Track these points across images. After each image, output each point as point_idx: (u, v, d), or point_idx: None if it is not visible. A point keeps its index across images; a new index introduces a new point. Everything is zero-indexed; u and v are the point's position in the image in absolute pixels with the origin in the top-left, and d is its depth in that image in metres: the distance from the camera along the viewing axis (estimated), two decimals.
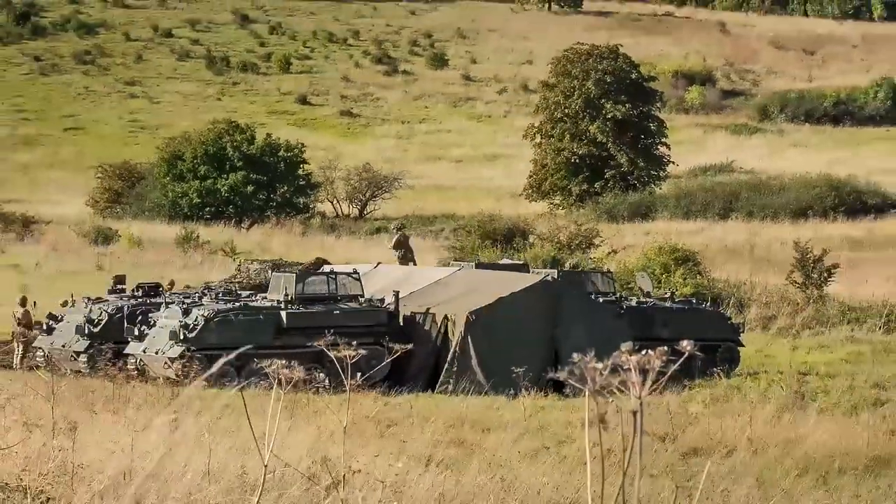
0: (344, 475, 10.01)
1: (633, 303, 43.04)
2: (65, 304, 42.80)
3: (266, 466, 7.98)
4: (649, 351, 5.22)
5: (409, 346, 38.69)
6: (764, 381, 39.38)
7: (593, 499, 5.40)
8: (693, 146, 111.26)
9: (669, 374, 5.59)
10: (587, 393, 5.23)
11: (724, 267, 60.59)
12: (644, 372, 4.99)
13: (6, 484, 12.97)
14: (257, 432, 11.05)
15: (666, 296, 44.91)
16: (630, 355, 5.11)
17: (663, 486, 20.03)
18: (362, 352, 8.99)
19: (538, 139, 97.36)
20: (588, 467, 5.37)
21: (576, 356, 5.40)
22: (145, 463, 16.51)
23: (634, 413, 4.99)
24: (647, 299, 43.72)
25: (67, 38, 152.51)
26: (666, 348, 5.57)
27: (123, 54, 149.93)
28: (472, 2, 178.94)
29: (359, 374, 35.15)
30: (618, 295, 43.29)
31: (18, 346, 41.99)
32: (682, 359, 5.78)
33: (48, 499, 12.25)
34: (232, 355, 9.65)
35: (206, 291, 42.48)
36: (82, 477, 14.33)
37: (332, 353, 8.56)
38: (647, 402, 19.40)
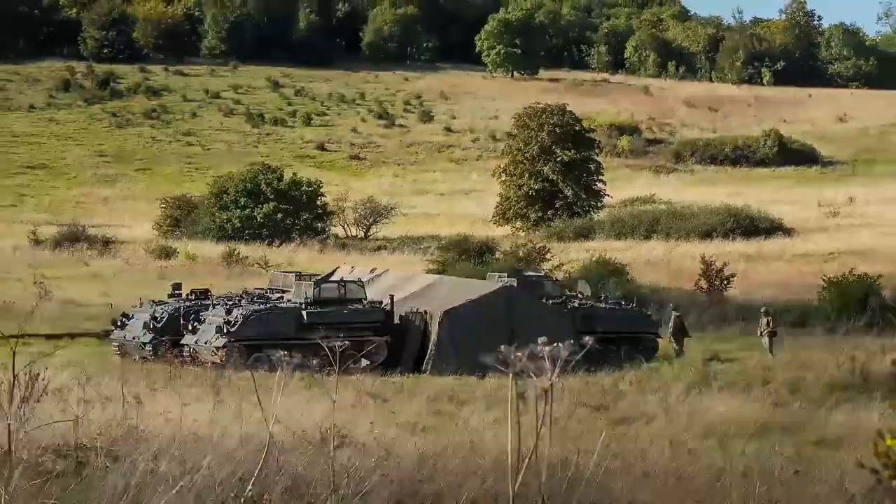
0: (334, 437, 10.00)
1: (576, 304, 43.00)
2: (134, 305, 42.78)
3: (270, 432, 7.95)
4: (558, 343, 5.21)
5: (386, 339, 38.93)
6: (677, 366, 39.37)
7: (512, 452, 5.39)
8: (623, 182, 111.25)
9: (576, 360, 5.57)
10: (510, 374, 5.23)
11: (646, 276, 60.60)
12: (554, 360, 4.98)
13: (84, 444, 12.92)
14: (279, 405, 11.05)
15: (601, 298, 44.91)
16: (544, 346, 5.11)
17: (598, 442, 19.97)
18: (347, 343, 9.03)
19: (503, 177, 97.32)
20: (509, 432, 5.36)
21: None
22: (193, 429, 16.50)
23: (545, 391, 4.98)
24: (586, 301, 43.70)
25: (138, 100, 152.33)
26: (572, 342, 5.56)
27: (181, 112, 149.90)
28: (453, 72, 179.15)
29: (358, 362, 35.14)
30: (563, 298, 43.26)
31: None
32: (584, 350, 5.78)
33: (115, 458, 12.19)
34: None
35: (244, 295, 42.45)
36: (144, 440, 14.29)
37: (325, 345, 8.58)
38: (586, 381, 19.36)
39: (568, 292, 44.65)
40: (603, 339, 41.20)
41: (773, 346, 42.59)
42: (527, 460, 5.48)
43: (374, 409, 24.43)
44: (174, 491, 10.18)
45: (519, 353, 4.87)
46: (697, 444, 21.98)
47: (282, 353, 7.88)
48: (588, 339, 5.69)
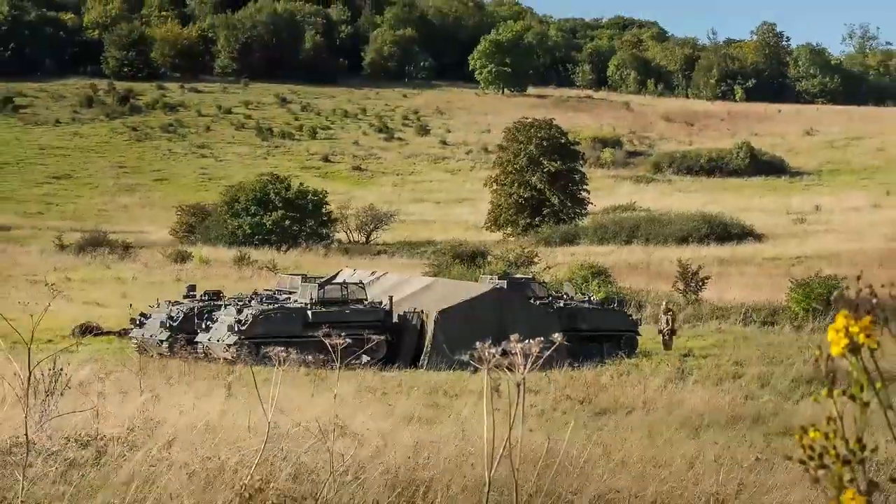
0: (334, 428, 10.02)
1: (561, 304, 43.01)
2: (152, 306, 42.77)
3: (269, 422, 7.97)
4: (530, 340, 5.24)
5: (385, 336, 38.94)
6: (655, 361, 39.42)
7: (487, 442, 5.42)
8: (606, 192, 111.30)
9: (546, 357, 5.60)
10: (485, 370, 5.26)
11: (627, 278, 60.60)
12: (526, 356, 5.01)
13: (104, 434, 12.94)
14: (285, 398, 11.08)
15: (585, 298, 44.92)
16: (517, 343, 5.14)
17: (578, 434, 20.00)
18: (349, 341, 9.06)
19: (495, 186, 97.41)
20: (485, 421, 5.38)
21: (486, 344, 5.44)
22: (205, 420, 16.51)
23: (518, 385, 5.01)
24: (571, 301, 43.71)
25: (156, 115, 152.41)
26: (542, 339, 5.58)
27: (196, 126, 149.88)
28: (448, 89, 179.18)
29: (359, 358, 35.08)
30: (549, 298, 43.27)
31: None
32: (554, 346, 5.80)
33: (131, 446, 12.22)
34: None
35: (254, 296, 42.44)
36: (159, 429, 14.30)
37: (328, 342, 8.60)
38: (571, 375, 19.35)
39: (553, 293, 44.65)
40: (587, 336, 41.35)
41: (671, 342, 42.75)
42: (501, 449, 5.51)
43: (374, 402, 24.44)
44: (186, 475, 10.20)
45: (492, 350, 4.91)
46: (673, 433, 22.01)
47: (279, 349, 7.89)
48: (557, 336, 5.70)
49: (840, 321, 2.22)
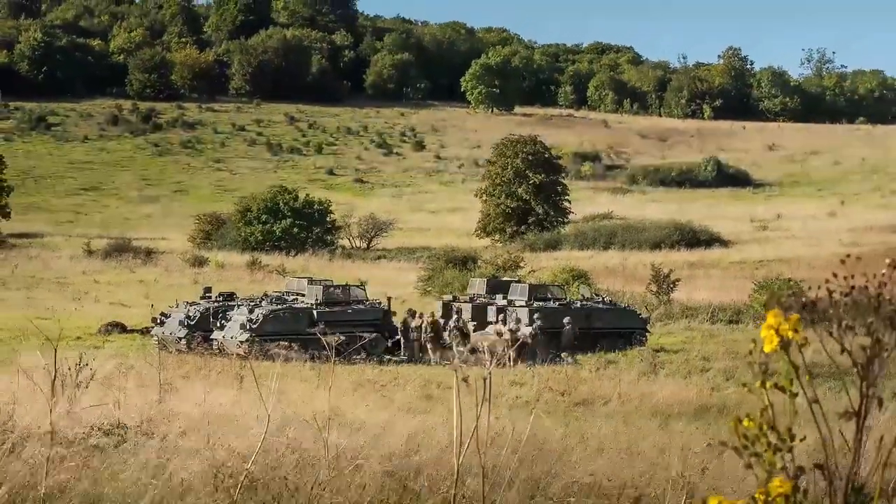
0: (329, 418, 10.00)
1: (578, 304, 42.91)
2: (171, 306, 42.75)
3: (269, 413, 7.96)
4: (496, 338, 5.24)
5: (384, 334, 38.97)
6: (630, 355, 39.40)
7: (456, 430, 5.42)
8: (586, 202, 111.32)
9: (533, 348, 5.59)
10: (456, 364, 5.27)
11: (605, 281, 60.57)
12: (492, 353, 5.01)
13: (123, 424, 12.92)
14: (293, 391, 11.07)
15: (598, 299, 44.84)
16: (483, 342, 5.14)
17: (561, 422, 19.98)
18: (342, 338, 9.08)
19: (484, 197, 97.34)
20: (455, 410, 5.39)
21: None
22: (218, 411, 16.48)
23: (485, 379, 5.02)
24: (586, 302, 43.61)
25: (175, 132, 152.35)
26: (507, 337, 5.59)
27: (212, 142, 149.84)
28: (441, 108, 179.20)
29: (360, 353, 34.95)
30: (566, 299, 43.28)
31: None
32: (518, 343, 5.81)
33: (147, 436, 12.20)
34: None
35: (264, 297, 42.41)
36: (175, 420, 14.28)
37: (324, 339, 8.60)
38: (552, 370, 19.29)
39: (566, 296, 44.58)
40: (601, 333, 41.48)
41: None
42: (468, 440, 5.51)
43: (373, 394, 24.41)
44: (197, 460, 10.19)
45: (462, 349, 4.92)
46: (645, 423, 22.00)
47: (277, 347, 7.89)
48: (526, 334, 5.70)
49: (771, 319, 2.23)
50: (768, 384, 2.30)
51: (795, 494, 2.12)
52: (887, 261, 2.22)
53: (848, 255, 2.52)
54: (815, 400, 2.25)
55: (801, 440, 2.22)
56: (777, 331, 2.26)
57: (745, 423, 2.28)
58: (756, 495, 2.14)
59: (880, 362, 2.14)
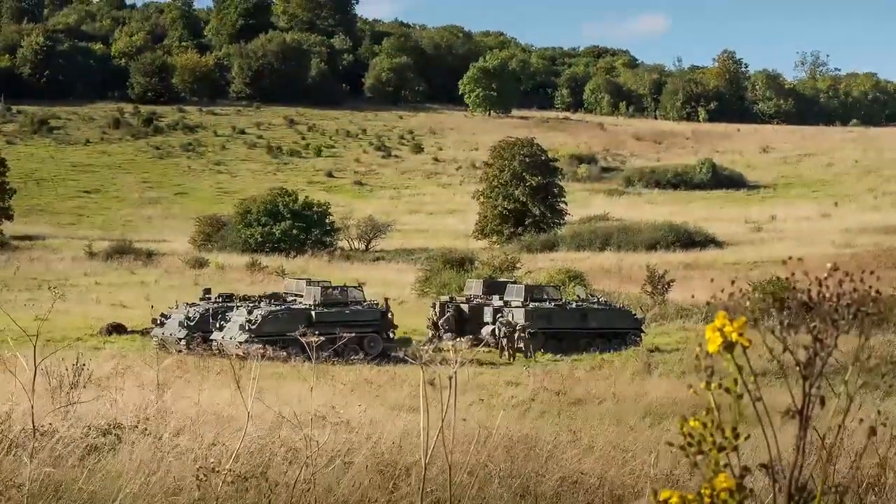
0: (312, 417, 10.03)
1: (574, 305, 43.04)
2: (171, 307, 42.78)
3: (249, 411, 7.99)
4: (460, 339, 5.29)
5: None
6: (625, 355, 39.42)
7: (423, 429, 5.47)
8: (582, 203, 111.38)
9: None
10: (421, 364, 5.31)
11: (601, 281, 60.65)
12: (457, 352, 5.06)
13: (121, 423, 12.96)
14: (292, 390, 11.09)
15: (593, 300, 44.97)
16: (451, 343, 5.18)
17: (554, 421, 20.02)
18: (322, 338, 9.12)
19: (482, 199, 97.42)
20: (422, 408, 5.43)
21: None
22: (215, 410, 16.52)
23: (450, 378, 5.06)
24: (582, 302, 43.75)
25: (176, 135, 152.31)
26: (472, 337, 5.63)
27: (213, 145, 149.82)
28: (439, 111, 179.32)
29: (358, 353, 34.96)
30: (563, 300, 43.40)
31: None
32: (482, 344, 5.84)
33: (144, 433, 12.23)
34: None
35: (263, 298, 42.43)
36: (171, 418, 14.32)
37: (304, 340, 8.62)
38: (548, 369, 19.31)
39: (562, 297, 44.72)
40: (596, 333, 41.59)
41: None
42: (436, 437, 5.54)
43: (369, 393, 24.44)
44: (190, 459, 10.22)
45: (426, 348, 4.97)
46: (637, 421, 22.03)
47: (259, 347, 7.92)
48: (486, 334, 5.74)
49: (718, 321, 2.26)
50: (713, 385, 2.33)
51: (741, 492, 2.16)
52: (828, 265, 2.25)
53: (836, 268, 2.55)
54: (759, 398, 2.29)
55: (746, 438, 2.26)
56: (721, 332, 2.30)
57: (691, 422, 2.32)
58: (702, 490, 2.18)
59: (822, 361, 2.17)
